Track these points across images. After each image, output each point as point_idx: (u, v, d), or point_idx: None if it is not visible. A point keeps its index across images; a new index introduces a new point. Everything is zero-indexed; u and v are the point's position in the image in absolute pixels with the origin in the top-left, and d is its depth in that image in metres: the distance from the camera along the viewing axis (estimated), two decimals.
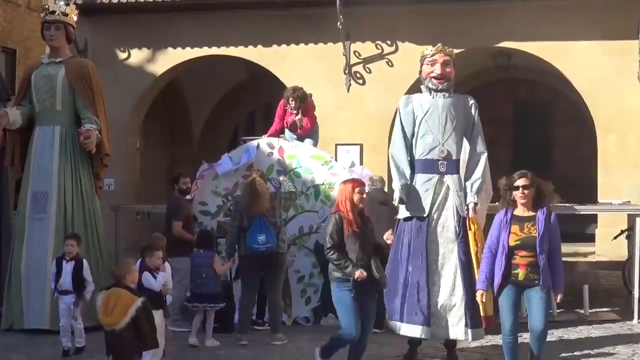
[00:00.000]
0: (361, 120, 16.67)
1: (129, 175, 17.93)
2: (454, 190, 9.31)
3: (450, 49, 9.85)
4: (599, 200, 15.14)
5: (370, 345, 8.65)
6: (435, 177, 9.35)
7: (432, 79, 9.54)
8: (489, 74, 21.61)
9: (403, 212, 9.39)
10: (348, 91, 16.98)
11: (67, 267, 9.90)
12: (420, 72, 9.75)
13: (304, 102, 12.56)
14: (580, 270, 15.75)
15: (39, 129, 12.00)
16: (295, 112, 12.51)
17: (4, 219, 12.56)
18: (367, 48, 16.86)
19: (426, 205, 9.24)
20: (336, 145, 16.02)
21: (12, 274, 11.61)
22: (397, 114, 9.72)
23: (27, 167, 11.86)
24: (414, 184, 9.37)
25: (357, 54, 16.91)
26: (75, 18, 12.43)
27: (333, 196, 11.57)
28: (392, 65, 16.79)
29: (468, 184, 9.36)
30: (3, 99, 12.73)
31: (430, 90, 9.55)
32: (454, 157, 9.44)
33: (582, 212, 12.72)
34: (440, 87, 9.51)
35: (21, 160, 12.15)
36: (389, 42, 16.74)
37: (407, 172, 9.40)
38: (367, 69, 16.90)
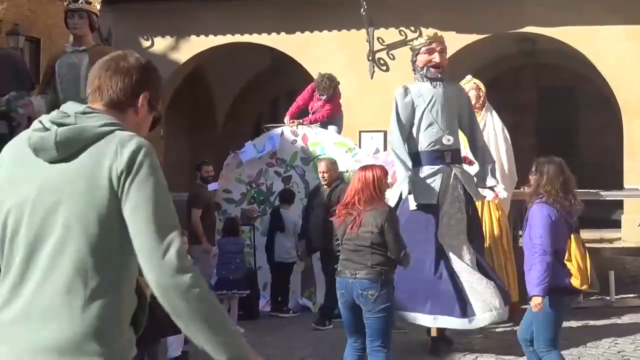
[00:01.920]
0: (385, 107, 16.51)
1: None
2: (462, 180, 9.16)
3: (440, 36, 9.70)
4: (625, 186, 15.05)
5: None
6: (442, 167, 9.22)
7: (431, 68, 9.38)
8: (513, 60, 21.51)
9: (412, 204, 9.19)
10: (372, 78, 16.94)
11: None
12: (415, 61, 9.54)
13: (334, 89, 12.62)
14: (606, 256, 15.68)
15: None
16: (323, 98, 12.54)
17: None
18: (390, 34, 16.81)
19: (434, 194, 9.09)
20: (360, 132, 15.97)
21: None
22: (394, 105, 9.55)
23: None
24: (420, 175, 9.22)
25: (380, 41, 16.87)
26: (98, 6, 12.43)
27: None
28: None
29: (487, 168, 9.30)
30: (27, 88, 12.77)
31: (430, 79, 9.39)
32: (457, 147, 9.38)
33: (607, 198, 12.66)
34: (439, 75, 9.39)
35: None
36: (412, 29, 16.67)
37: (409, 164, 9.22)
38: (390, 56, 16.85)
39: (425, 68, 9.41)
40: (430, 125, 9.29)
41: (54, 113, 3.04)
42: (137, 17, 17.90)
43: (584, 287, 6.82)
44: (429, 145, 9.28)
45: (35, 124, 3.03)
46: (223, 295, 10.47)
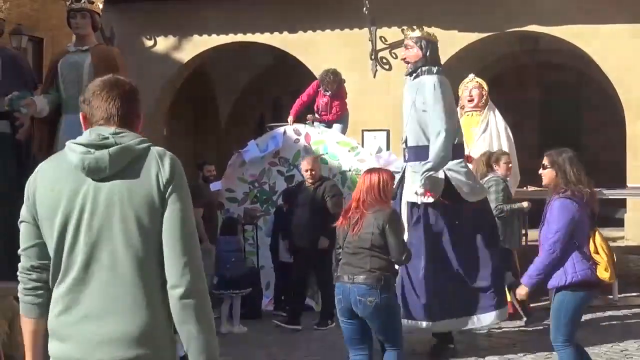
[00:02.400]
0: (388, 106, 16.61)
1: None
2: (407, 178, 9.01)
3: (422, 31, 9.56)
4: (628, 184, 15.03)
5: None
6: (404, 165, 9.25)
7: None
8: (516, 58, 21.50)
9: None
10: (374, 77, 16.93)
11: None
12: None
13: (339, 85, 12.62)
14: None
15: (66, 117, 12.02)
16: (328, 94, 12.53)
17: None
18: (393, 33, 16.79)
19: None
20: (363, 131, 15.96)
21: None
22: None
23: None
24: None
25: (383, 40, 16.86)
26: (101, 6, 12.43)
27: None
28: None
29: (420, 166, 8.87)
30: (30, 88, 12.76)
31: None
32: (412, 144, 9.12)
33: (610, 197, 12.63)
34: (407, 71, 9.39)
35: (49, 148, 12.19)
36: (415, 28, 16.63)
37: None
38: (393, 55, 16.83)
39: None
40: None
41: (89, 137, 3.53)
42: (140, 16, 17.90)
43: (613, 279, 6.79)
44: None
45: (79, 148, 3.52)
46: (223, 295, 10.47)
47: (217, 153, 20.69)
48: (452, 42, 15.42)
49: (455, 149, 9.06)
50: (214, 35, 17.70)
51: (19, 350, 7.75)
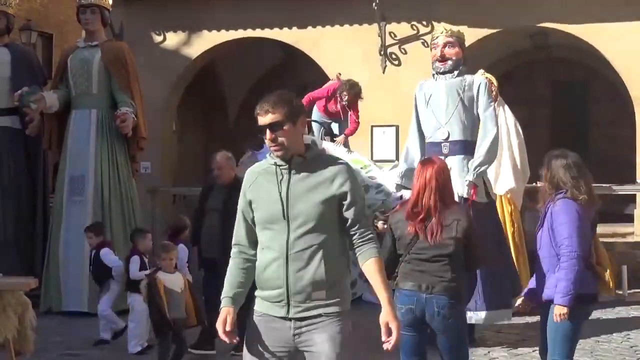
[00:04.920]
0: (397, 102, 16.57)
1: (165, 158, 17.98)
2: (455, 171, 8.89)
3: (456, 30, 9.74)
4: (638, 180, 15.01)
5: None
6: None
7: (436, 62, 9.51)
8: (527, 54, 21.42)
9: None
10: (383, 72, 16.89)
11: (93, 257, 9.99)
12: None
13: (358, 98, 12.65)
14: (618, 250, 15.62)
15: (76, 113, 12.07)
16: (345, 104, 12.58)
17: (43, 202, 12.66)
18: (402, 29, 16.75)
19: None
20: (372, 126, 15.95)
21: (50, 257, 11.71)
22: (414, 100, 9.76)
23: (64, 150, 11.96)
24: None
25: (392, 35, 16.82)
26: (110, 2, 12.50)
27: (369, 199, 11.52)
28: (428, 46, 16.61)
29: (470, 164, 9.14)
30: (40, 83, 12.82)
31: (434, 74, 9.53)
32: (457, 138, 9.28)
33: (620, 192, 12.63)
34: (442, 69, 9.45)
35: (58, 144, 12.24)
36: (424, 23, 16.61)
37: (412, 157, 9.39)
38: (402, 50, 16.80)
39: (433, 63, 9.56)
40: (429, 118, 9.43)
41: None
42: (149, 12, 17.89)
43: (613, 293, 6.25)
44: (428, 137, 9.46)
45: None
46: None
47: (226, 148, 20.65)
48: None
49: (470, 145, 9.32)
50: (223, 31, 17.68)
51: (29, 345, 7.77)
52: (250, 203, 4.70)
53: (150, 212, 14.13)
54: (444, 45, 9.47)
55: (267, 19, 17.33)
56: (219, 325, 4.57)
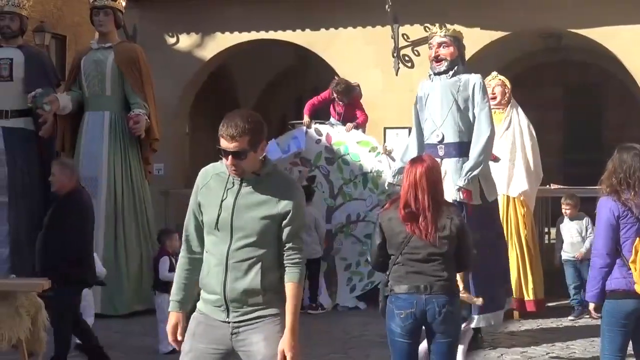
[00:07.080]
0: (410, 104, 16.41)
1: (178, 160, 18.01)
2: (450, 174, 8.92)
3: (451, 29, 9.63)
4: None
5: None
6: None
7: (432, 63, 9.45)
8: (539, 56, 21.39)
9: None
10: (397, 74, 16.88)
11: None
12: None
13: (349, 94, 12.60)
14: None
15: (89, 115, 12.11)
16: (342, 104, 12.58)
17: None
18: (415, 31, 16.73)
19: None
20: (385, 128, 15.91)
21: None
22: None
23: (77, 152, 12.00)
24: None
25: (405, 37, 16.81)
26: (123, 3, 12.53)
27: (381, 184, 11.56)
28: None
29: (464, 166, 8.93)
30: (53, 85, 12.85)
31: (430, 74, 9.48)
32: (451, 140, 9.14)
33: None
34: (437, 69, 9.35)
35: (71, 146, 12.28)
36: (437, 25, 16.57)
37: (409, 157, 9.22)
38: (415, 52, 16.78)
39: (430, 64, 9.52)
40: (427, 119, 9.39)
41: None
42: (163, 13, 17.92)
43: None
44: (426, 138, 9.39)
45: None
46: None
47: None
48: (474, 40, 15.34)
49: (466, 146, 9.17)
50: (236, 33, 17.70)
51: (41, 346, 7.80)
52: (199, 205, 4.90)
53: (163, 214, 14.14)
54: (439, 46, 9.38)
55: (280, 21, 17.34)
56: (169, 331, 4.87)
